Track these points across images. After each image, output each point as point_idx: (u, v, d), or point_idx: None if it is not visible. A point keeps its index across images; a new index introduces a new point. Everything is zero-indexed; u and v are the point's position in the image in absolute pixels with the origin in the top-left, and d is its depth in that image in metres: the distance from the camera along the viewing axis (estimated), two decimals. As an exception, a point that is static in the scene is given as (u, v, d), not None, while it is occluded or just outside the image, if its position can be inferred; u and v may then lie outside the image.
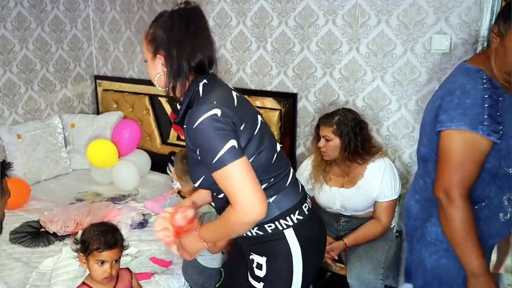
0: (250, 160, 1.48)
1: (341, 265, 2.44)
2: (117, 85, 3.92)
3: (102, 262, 1.71)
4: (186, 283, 2.30)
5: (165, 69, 1.52)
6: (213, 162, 1.42)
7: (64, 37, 3.79)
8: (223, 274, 2.21)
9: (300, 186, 1.69)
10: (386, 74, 2.71)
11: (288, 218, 1.59)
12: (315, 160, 2.51)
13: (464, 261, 1.53)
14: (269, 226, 1.58)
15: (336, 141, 2.36)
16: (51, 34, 3.69)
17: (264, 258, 1.63)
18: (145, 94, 3.73)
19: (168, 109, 3.64)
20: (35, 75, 3.65)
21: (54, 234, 2.69)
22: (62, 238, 2.67)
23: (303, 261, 1.61)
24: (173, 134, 3.68)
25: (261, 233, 1.60)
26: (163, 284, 2.23)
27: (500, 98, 1.49)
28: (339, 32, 2.80)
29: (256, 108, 1.67)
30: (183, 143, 3.54)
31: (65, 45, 3.82)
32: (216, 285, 2.22)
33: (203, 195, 1.89)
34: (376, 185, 2.34)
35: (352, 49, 2.78)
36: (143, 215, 2.91)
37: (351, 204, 2.43)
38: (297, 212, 1.60)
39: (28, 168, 3.45)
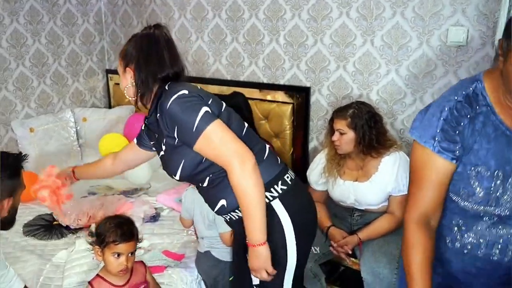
0: None
1: (355, 259, 2.42)
2: (128, 79, 3.91)
3: (118, 255, 1.70)
4: (199, 276, 2.28)
5: (133, 81, 1.68)
6: (192, 132, 1.51)
7: (76, 31, 3.80)
8: None
9: (278, 159, 1.75)
10: (401, 67, 2.67)
11: (272, 189, 1.64)
12: (329, 154, 2.48)
13: None
14: None
15: (350, 135, 2.33)
16: (63, 28, 3.70)
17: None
18: (156, 88, 3.72)
19: (179, 103, 3.63)
20: (48, 69, 3.65)
21: (67, 227, 2.69)
22: (75, 231, 2.67)
23: (294, 231, 1.65)
24: (184, 128, 3.66)
25: None
26: (176, 277, 2.22)
27: (477, 119, 1.26)
28: (353, 24, 2.76)
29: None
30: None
31: (77, 39, 3.82)
32: (230, 279, 2.20)
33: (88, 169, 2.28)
34: (391, 179, 2.31)
35: (366, 41, 2.75)
36: (155, 208, 2.91)
37: (365, 198, 2.40)
38: (279, 182, 1.66)
39: (40, 161, 3.45)
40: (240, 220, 1.65)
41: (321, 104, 2.99)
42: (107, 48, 4.04)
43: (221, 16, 3.28)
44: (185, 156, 1.61)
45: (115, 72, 4.01)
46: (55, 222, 2.74)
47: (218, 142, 1.52)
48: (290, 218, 1.65)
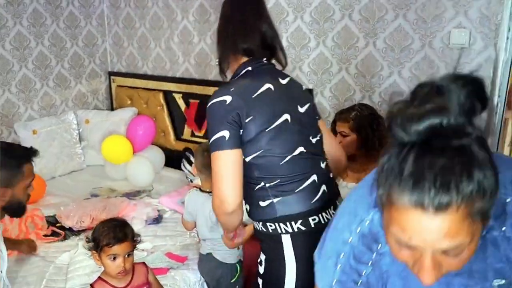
0: (256, 154, 1.53)
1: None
2: (131, 81, 3.93)
3: (114, 257, 1.71)
4: (202, 278, 2.29)
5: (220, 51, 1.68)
6: (209, 144, 1.53)
7: (79, 33, 3.81)
8: (238, 269, 2.19)
9: (315, 197, 1.60)
10: (404, 69, 2.67)
11: (288, 223, 1.56)
12: None
13: None
14: (270, 226, 1.59)
15: (352, 137, 2.33)
16: (66, 30, 3.71)
17: (264, 256, 1.65)
18: (159, 90, 3.73)
19: (182, 105, 3.64)
20: (50, 71, 3.67)
21: (70, 229, 2.70)
22: (78, 233, 2.68)
23: (296, 272, 1.57)
24: (187, 130, 3.67)
25: (264, 229, 1.61)
26: (179, 279, 2.23)
27: (382, 260, 0.98)
28: (355, 27, 2.77)
29: (295, 106, 1.64)
30: (197, 139, 3.56)
31: (80, 41, 3.83)
32: (231, 280, 2.20)
33: None
34: None
35: (368, 44, 2.75)
36: (158, 210, 2.92)
37: None
38: (300, 221, 1.56)
39: (43, 163, 3.46)
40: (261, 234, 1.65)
41: (324, 107, 2.99)
42: (109, 50, 4.04)
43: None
44: None
45: (117, 74, 4.02)
46: (58, 224, 2.74)
47: (215, 170, 1.52)
48: (296, 261, 1.57)
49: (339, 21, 2.81)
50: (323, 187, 1.63)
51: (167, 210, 2.96)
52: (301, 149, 1.59)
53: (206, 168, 1.96)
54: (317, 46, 2.92)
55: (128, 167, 3.40)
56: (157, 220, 2.83)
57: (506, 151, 2.98)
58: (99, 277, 1.79)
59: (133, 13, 3.80)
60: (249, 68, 1.61)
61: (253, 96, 1.53)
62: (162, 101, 3.73)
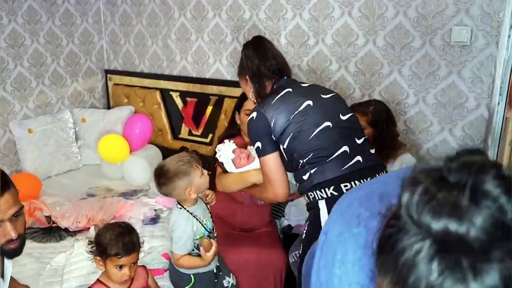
0: (289, 138, 1.80)
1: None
2: (128, 79, 3.88)
3: (121, 267, 1.67)
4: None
5: (252, 83, 1.98)
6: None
7: (74, 31, 3.76)
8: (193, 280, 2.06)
9: (346, 165, 1.76)
10: (404, 67, 2.64)
11: (322, 190, 1.74)
12: None
13: None
14: (310, 194, 1.79)
15: (369, 131, 2.28)
16: (61, 27, 3.66)
17: (308, 222, 1.86)
18: (156, 89, 3.69)
19: (179, 103, 3.60)
20: (46, 69, 3.62)
21: (66, 230, 2.66)
22: (73, 233, 2.64)
23: None
24: (184, 129, 3.63)
25: (308, 200, 1.82)
26: (176, 281, 2.19)
27: None
28: (355, 24, 2.73)
29: (313, 95, 1.88)
30: (195, 138, 3.53)
31: (76, 39, 3.78)
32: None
33: None
34: None
35: (368, 41, 2.72)
36: (155, 210, 2.88)
37: None
38: (332, 187, 1.73)
39: (39, 162, 3.42)
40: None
41: (323, 105, 2.95)
42: (106, 48, 4.00)
43: (221, 16, 3.25)
44: None
45: (114, 72, 3.98)
46: (54, 225, 2.70)
47: (264, 173, 1.92)
48: None
49: (338, 18, 2.78)
50: (358, 158, 1.79)
51: (164, 209, 2.92)
52: (327, 123, 1.80)
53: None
54: (316, 44, 2.89)
55: (124, 166, 3.36)
56: (154, 220, 2.79)
57: (507, 151, 2.96)
58: (98, 280, 1.76)
59: (129, 10, 3.75)
60: (274, 87, 1.97)
61: (271, 104, 1.85)
62: (159, 100, 3.69)
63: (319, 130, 1.80)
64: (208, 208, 2.07)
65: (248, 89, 2.02)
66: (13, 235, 1.36)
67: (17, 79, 3.44)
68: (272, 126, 1.82)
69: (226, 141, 2.22)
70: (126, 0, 3.75)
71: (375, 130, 2.29)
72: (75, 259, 2.31)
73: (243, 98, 2.47)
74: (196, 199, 1.97)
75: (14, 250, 1.42)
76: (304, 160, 1.78)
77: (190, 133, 3.61)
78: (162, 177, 1.90)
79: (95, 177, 3.49)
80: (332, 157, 1.77)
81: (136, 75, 3.84)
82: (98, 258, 1.70)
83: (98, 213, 2.69)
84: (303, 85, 1.96)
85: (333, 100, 1.90)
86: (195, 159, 1.93)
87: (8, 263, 1.53)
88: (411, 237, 0.57)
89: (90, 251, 1.72)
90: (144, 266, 1.89)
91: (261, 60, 1.95)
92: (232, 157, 2.14)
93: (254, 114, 1.86)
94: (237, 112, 2.51)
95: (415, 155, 2.67)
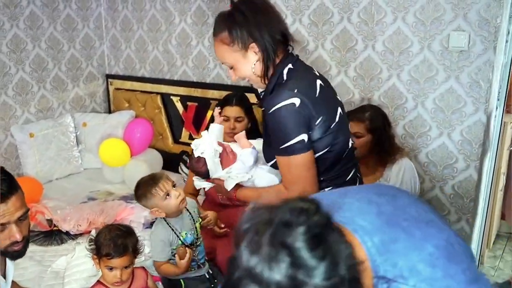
0: (322, 152, 1.56)
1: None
2: (128, 84, 3.91)
3: (111, 268, 1.70)
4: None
5: (260, 53, 1.56)
6: (280, 148, 1.53)
7: (76, 36, 3.79)
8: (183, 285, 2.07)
9: (346, 178, 1.67)
10: (403, 72, 2.67)
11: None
12: None
13: None
14: None
15: (367, 138, 2.29)
16: (63, 33, 3.69)
17: None
18: (157, 93, 3.72)
19: (180, 108, 3.62)
20: (48, 74, 3.64)
21: (67, 233, 2.68)
22: (75, 237, 2.66)
23: None
24: (185, 134, 3.66)
25: None
26: (176, 284, 2.21)
27: None
28: (354, 29, 2.76)
29: (338, 99, 1.70)
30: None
31: (77, 44, 3.81)
32: None
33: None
34: (396, 186, 2.30)
35: (367, 46, 2.74)
36: (156, 214, 2.89)
37: None
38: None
39: (40, 167, 3.44)
40: None
41: (322, 109, 2.98)
42: (107, 53, 4.03)
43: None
44: None
45: (115, 77, 4.01)
46: (55, 228, 2.72)
47: (293, 173, 1.54)
48: None
49: (337, 23, 2.80)
50: (358, 178, 1.72)
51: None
52: (350, 143, 1.69)
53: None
54: (316, 49, 2.91)
55: (125, 170, 3.38)
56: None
57: (505, 155, 2.98)
58: (98, 281, 1.78)
59: (130, 15, 3.79)
60: (290, 66, 1.58)
61: (316, 95, 1.55)
62: (160, 104, 3.71)
63: (346, 153, 1.64)
64: (194, 222, 2.05)
65: (248, 63, 1.58)
66: (18, 237, 1.39)
67: (19, 84, 3.46)
68: (315, 124, 1.52)
69: (203, 132, 1.89)
70: (127, 5, 3.78)
71: (374, 136, 2.31)
72: (76, 262, 2.33)
73: (226, 101, 2.50)
74: (177, 212, 1.96)
75: (17, 252, 1.45)
76: (325, 177, 1.61)
77: (190, 137, 3.63)
78: (135, 193, 1.98)
79: (96, 181, 3.51)
80: (345, 180, 1.66)
81: (137, 79, 3.87)
82: (95, 256, 1.73)
83: (99, 217, 2.71)
84: (317, 73, 1.67)
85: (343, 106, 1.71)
86: (159, 181, 1.89)
87: (10, 264, 1.55)
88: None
89: (90, 249, 1.75)
90: (143, 268, 1.91)
91: (271, 21, 1.57)
92: (219, 150, 1.81)
93: (297, 101, 1.47)
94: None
95: (414, 159, 2.69)
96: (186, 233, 1.99)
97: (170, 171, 3.58)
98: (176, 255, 1.94)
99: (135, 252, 1.76)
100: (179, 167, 3.39)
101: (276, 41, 1.56)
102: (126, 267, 1.72)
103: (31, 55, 3.51)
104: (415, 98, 2.66)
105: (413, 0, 2.55)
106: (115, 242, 1.69)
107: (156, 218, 2.05)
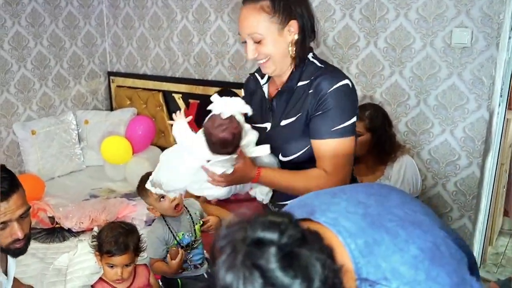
0: None
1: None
2: (130, 81, 3.91)
3: (112, 266, 1.70)
4: (200, 281, 2.26)
5: (296, 33, 1.43)
6: (334, 129, 1.41)
7: (78, 33, 3.79)
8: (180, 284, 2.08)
9: None
10: (405, 69, 2.66)
11: None
12: None
13: None
14: None
15: (367, 136, 2.28)
16: (65, 30, 3.69)
17: None
18: (158, 91, 3.72)
19: (181, 105, 3.62)
20: (49, 71, 3.64)
21: (69, 230, 2.68)
22: (77, 234, 2.67)
23: None
24: (187, 131, 3.65)
25: None
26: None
27: None
28: (356, 26, 2.75)
29: None
30: (197, 140, 3.53)
31: (79, 41, 3.81)
32: None
33: None
34: (397, 184, 2.29)
35: (369, 43, 2.73)
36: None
37: None
38: None
39: (42, 164, 3.45)
40: None
41: (324, 106, 2.97)
42: (109, 50, 4.02)
43: (223, 18, 3.27)
44: (307, 141, 1.48)
45: (117, 74, 4.00)
46: (57, 225, 2.72)
47: (341, 156, 1.43)
48: None
49: (340, 20, 2.80)
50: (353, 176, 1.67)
51: (167, 211, 2.94)
52: None
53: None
54: (318, 46, 2.90)
55: (127, 167, 3.38)
56: (157, 221, 2.81)
57: (508, 152, 2.97)
58: (101, 278, 1.79)
59: (132, 12, 3.78)
60: (312, 55, 1.51)
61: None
62: (162, 101, 3.71)
63: None
64: (194, 224, 2.05)
65: (281, 40, 1.43)
66: (20, 235, 1.39)
67: (21, 81, 3.46)
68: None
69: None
70: (128, 3, 3.77)
71: (374, 135, 2.29)
72: (79, 259, 2.33)
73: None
74: (175, 214, 1.97)
75: (19, 250, 1.45)
76: None
77: (192, 135, 3.62)
78: (137, 187, 2.01)
79: (98, 179, 3.51)
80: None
81: (138, 77, 3.86)
82: (97, 253, 1.73)
83: (101, 214, 2.71)
84: None
85: None
86: None
87: (12, 261, 1.56)
88: None
89: (93, 246, 1.75)
90: (145, 265, 1.91)
91: (309, 4, 1.48)
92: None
93: (349, 82, 1.44)
94: None
95: (416, 156, 2.69)
96: (183, 234, 2.00)
97: (172, 168, 3.59)
98: (168, 255, 1.96)
99: (137, 250, 1.77)
100: (181, 165, 3.39)
101: (312, 25, 1.47)
102: (127, 265, 1.73)
103: (33, 53, 3.51)
104: (417, 95, 2.65)
105: (416, -4, 2.54)
106: (116, 240, 1.69)
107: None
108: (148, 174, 1.87)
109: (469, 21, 2.42)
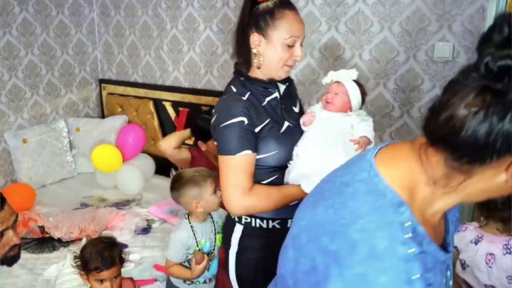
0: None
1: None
2: (121, 89, 3.94)
3: (102, 281, 1.74)
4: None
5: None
6: None
7: (69, 42, 3.82)
8: None
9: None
10: (389, 81, 2.70)
11: (248, 216, 1.58)
12: None
13: None
14: None
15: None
16: (56, 39, 3.72)
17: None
18: (149, 98, 3.75)
19: (172, 113, 3.66)
20: (41, 79, 3.68)
21: (59, 240, 2.72)
22: (66, 244, 2.70)
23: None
24: (177, 138, 3.69)
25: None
26: (165, 291, 2.25)
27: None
28: (341, 38, 2.79)
29: None
30: (187, 147, 3.57)
31: (70, 49, 3.84)
32: None
33: None
34: None
35: (355, 55, 2.78)
36: (147, 220, 2.93)
37: None
38: (258, 219, 1.58)
39: (33, 172, 3.48)
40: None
41: (311, 116, 3.01)
42: (100, 58, 4.06)
43: (212, 28, 3.31)
44: None
45: (108, 81, 4.04)
46: (47, 235, 2.76)
47: None
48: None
49: (325, 32, 2.84)
50: None
51: (156, 219, 2.98)
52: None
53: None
54: (304, 57, 2.95)
55: (118, 175, 3.41)
56: (146, 230, 2.85)
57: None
58: None
59: (123, 21, 3.81)
60: None
61: None
62: (152, 109, 3.75)
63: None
64: (215, 230, 2.06)
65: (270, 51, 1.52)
66: (17, 240, 1.45)
67: (12, 90, 3.49)
68: None
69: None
70: (119, 11, 3.81)
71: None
72: (67, 271, 2.36)
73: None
74: (204, 217, 2.00)
75: (14, 257, 1.51)
76: None
77: (182, 142, 3.66)
78: (176, 181, 1.97)
79: (89, 186, 3.55)
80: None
81: (129, 84, 3.90)
82: (82, 272, 1.77)
83: (90, 224, 2.75)
84: None
85: None
86: (212, 176, 1.95)
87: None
88: None
89: (76, 266, 1.78)
90: (131, 278, 1.95)
91: None
92: None
93: None
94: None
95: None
96: (205, 241, 2.01)
97: (162, 175, 3.63)
98: (192, 260, 1.95)
99: (122, 261, 1.81)
100: (170, 173, 3.43)
101: None
102: (115, 277, 1.77)
103: (24, 62, 3.54)
104: (401, 106, 2.70)
105: (399, 10, 2.58)
106: (102, 255, 1.73)
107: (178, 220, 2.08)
108: (191, 170, 1.98)
109: (451, 35, 2.47)
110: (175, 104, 3.63)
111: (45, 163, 3.55)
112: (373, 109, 2.78)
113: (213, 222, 2.06)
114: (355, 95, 1.62)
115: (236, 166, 1.46)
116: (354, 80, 1.65)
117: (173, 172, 3.40)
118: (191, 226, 1.99)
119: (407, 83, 2.65)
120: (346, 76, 1.62)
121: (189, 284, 2.02)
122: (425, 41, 2.55)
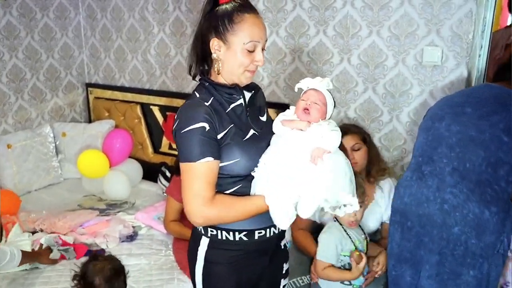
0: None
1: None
2: (108, 93, 3.89)
3: None
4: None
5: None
6: None
7: (54, 45, 3.76)
8: None
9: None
10: (378, 85, 2.68)
11: (214, 229, 1.53)
12: None
13: None
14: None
15: (365, 149, 2.27)
16: (41, 42, 3.66)
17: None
18: (136, 103, 3.70)
19: (159, 117, 3.61)
20: (25, 84, 3.61)
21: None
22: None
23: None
24: (165, 143, 3.65)
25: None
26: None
27: None
28: (330, 42, 2.77)
29: None
30: (175, 152, 3.53)
31: (56, 53, 3.78)
32: None
33: None
34: (384, 206, 2.28)
35: (343, 60, 2.75)
36: (133, 227, 2.88)
37: (365, 223, 2.26)
38: (224, 231, 1.53)
39: (18, 178, 3.41)
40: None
41: (300, 121, 2.98)
42: (86, 62, 4.00)
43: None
44: None
45: (95, 86, 3.98)
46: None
47: None
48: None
49: (314, 36, 2.81)
50: None
51: (143, 226, 2.92)
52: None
53: None
54: (293, 61, 2.92)
55: (104, 181, 3.36)
56: (132, 237, 2.79)
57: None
58: None
59: (109, 24, 3.76)
60: None
61: None
62: (140, 114, 3.70)
63: None
64: (365, 238, 2.07)
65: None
66: None
67: (-4, 95, 3.43)
68: None
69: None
70: (106, 14, 3.75)
71: (369, 148, 2.32)
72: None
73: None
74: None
75: None
76: None
77: (170, 147, 3.62)
78: None
79: (75, 192, 3.48)
80: None
81: (116, 89, 3.85)
82: None
83: (59, 221, 2.76)
84: None
85: None
86: None
87: None
88: None
89: (75, 286, 1.74)
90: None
91: None
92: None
93: None
94: None
95: (392, 170, 2.70)
96: (359, 242, 2.01)
97: (150, 181, 3.59)
98: (351, 260, 1.93)
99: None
100: (158, 179, 3.39)
101: None
102: None
103: (8, 66, 3.47)
104: (390, 111, 2.68)
105: (388, 14, 2.56)
106: (112, 285, 1.70)
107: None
108: None
109: (439, 40, 2.45)
110: (163, 109, 3.58)
111: (30, 169, 3.48)
112: (362, 114, 2.76)
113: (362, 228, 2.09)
114: (331, 105, 1.56)
115: (197, 173, 1.40)
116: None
117: (161, 179, 3.36)
118: (341, 226, 2.00)
119: (396, 88, 2.63)
120: (323, 85, 1.54)
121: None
122: (414, 46, 2.53)
